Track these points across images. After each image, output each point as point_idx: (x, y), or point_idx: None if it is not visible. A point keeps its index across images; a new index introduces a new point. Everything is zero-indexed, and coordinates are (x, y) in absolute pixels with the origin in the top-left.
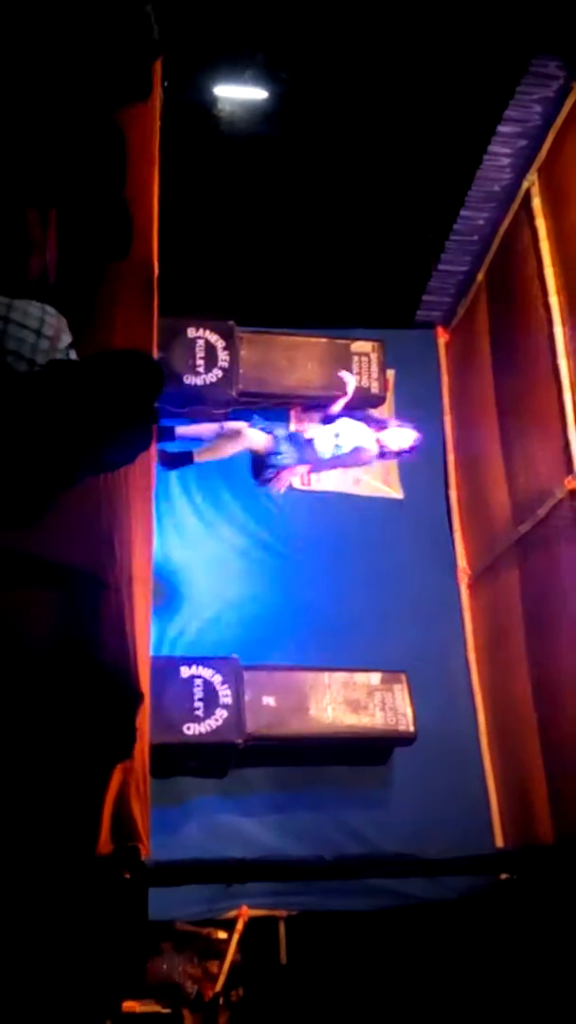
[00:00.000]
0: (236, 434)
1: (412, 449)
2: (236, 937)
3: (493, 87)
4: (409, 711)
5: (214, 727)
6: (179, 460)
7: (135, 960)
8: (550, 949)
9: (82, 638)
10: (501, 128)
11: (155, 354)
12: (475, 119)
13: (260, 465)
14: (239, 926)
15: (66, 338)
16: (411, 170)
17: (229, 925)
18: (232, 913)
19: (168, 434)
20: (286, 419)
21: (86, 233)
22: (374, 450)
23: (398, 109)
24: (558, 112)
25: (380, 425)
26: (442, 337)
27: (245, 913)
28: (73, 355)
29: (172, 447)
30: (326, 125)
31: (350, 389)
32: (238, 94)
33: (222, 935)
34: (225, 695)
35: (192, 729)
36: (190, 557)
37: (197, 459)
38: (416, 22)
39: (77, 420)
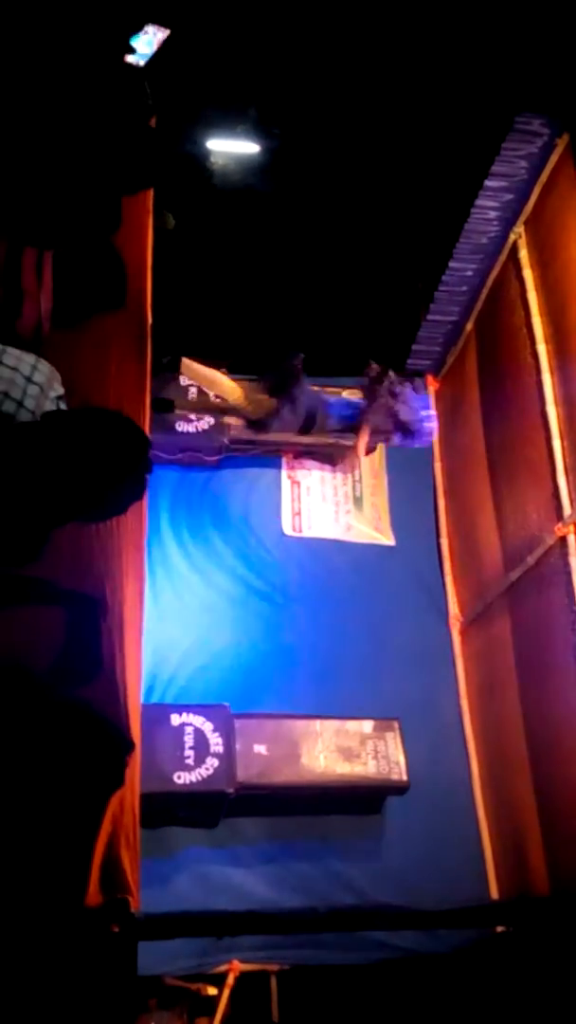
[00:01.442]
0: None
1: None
2: (227, 992)
3: (480, 143)
4: (402, 759)
5: (205, 776)
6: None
7: (123, 1017)
8: (547, 1003)
9: (79, 669)
10: (488, 183)
11: (148, 402)
12: (463, 174)
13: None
14: (230, 981)
15: (58, 388)
16: (401, 223)
17: (219, 980)
18: (223, 967)
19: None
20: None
21: (81, 283)
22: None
23: (387, 164)
24: (543, 167)
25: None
26: (432, 385)
27: (236, 968)
28: (63, 406)
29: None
30: (317, 178)
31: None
32: (231, 148)
33: (212, 991)
34: (216, 743)
35: (182, 778)
36: (181, 604)
37: (184, 369)
38: (404, 80)
39: (60, 480)
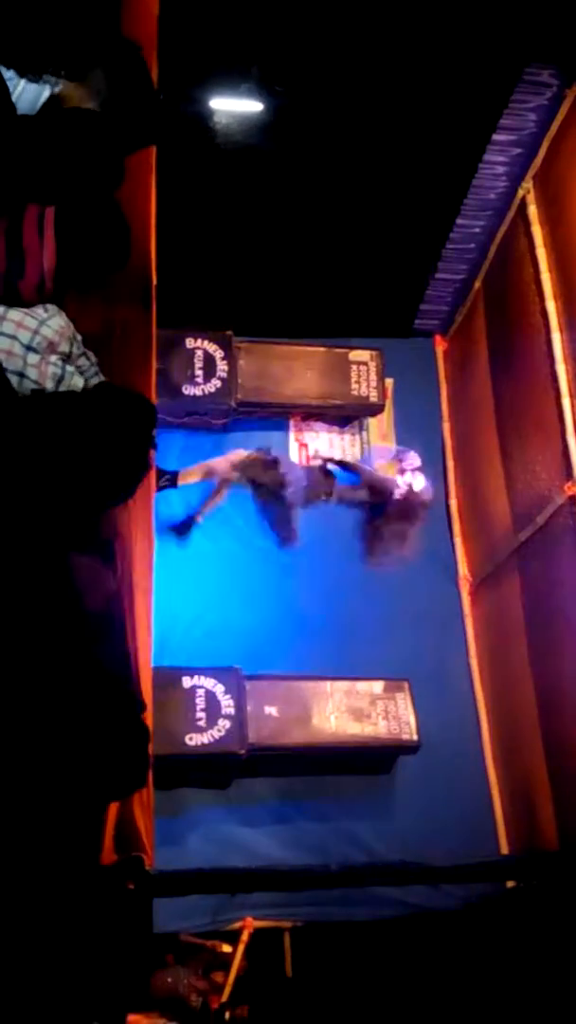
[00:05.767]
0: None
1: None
2: (241, 948)
3: (487, 96)
4: (412, 719)
5: (217, 737)
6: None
7: (140, 972)
8: (556, 957)
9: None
10: (496, 137)
11: (154, 365)
12: (470, 128)
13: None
14: (244, 937)
15: (66, 346)
16: (407, 180)
17: (234, 937)
18: (237, 924)
19: (171, 482)
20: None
21: (83, 239)
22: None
23: (392, 119)
24: (552, 119)
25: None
26: (440, 345)
27: (250, 924)
28: (69, 369)
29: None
30: (321, 136)
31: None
32: (233, 107)
33: (227, 948)
34: (227, 705)
35: (194, 740)
36: (191, 567)
37: (181, 481)
38: (410, 32)
39: (65, 466)
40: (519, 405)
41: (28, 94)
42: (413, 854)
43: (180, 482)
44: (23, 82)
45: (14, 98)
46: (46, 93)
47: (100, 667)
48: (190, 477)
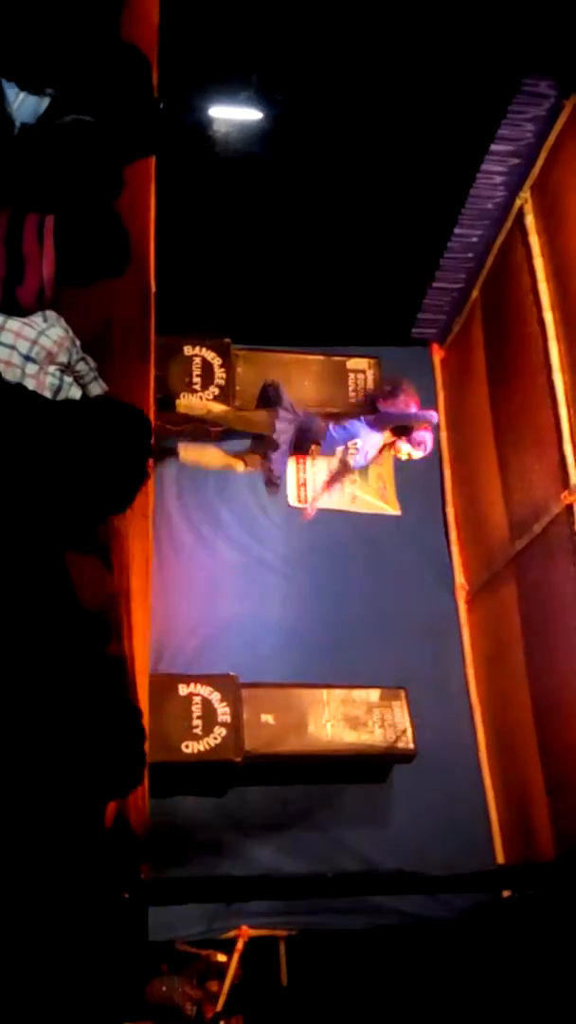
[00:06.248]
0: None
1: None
2: (236, 957)
3: (486, 107)
4: (409, 728)
5: (213, 745)
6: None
7: (135, 981)
8: (551, 967)
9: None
10: (494, 147)
11: (152, 372)
12: (468, 138)
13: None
14: (239, 946)
15: (63, 356)
16: (405, 189)
17: (229, 945)
18: (232, 933)
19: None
20: None
21: (82, 247)
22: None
23: (391, 128)
24: (550, 130)
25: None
26: (438, 354)
27: (245, 933)
28: (67, 380)
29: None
30: (320, 145)
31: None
32: (233, 115)
33: (222, 957)
34: (223, 713)
35: (190, 747)
36: (188, 574)
37: (183, 458)
38: (409, 42)
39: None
40: (516, 414)
41: (28, 104)
42: (409, 863)
43: (181, 456)
44: (23, 93)
45: (14, 108)
46: (46, 103)
47: (95, 663)
48: (191, 455)
